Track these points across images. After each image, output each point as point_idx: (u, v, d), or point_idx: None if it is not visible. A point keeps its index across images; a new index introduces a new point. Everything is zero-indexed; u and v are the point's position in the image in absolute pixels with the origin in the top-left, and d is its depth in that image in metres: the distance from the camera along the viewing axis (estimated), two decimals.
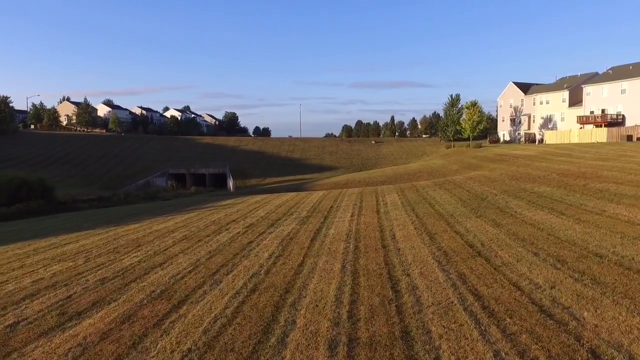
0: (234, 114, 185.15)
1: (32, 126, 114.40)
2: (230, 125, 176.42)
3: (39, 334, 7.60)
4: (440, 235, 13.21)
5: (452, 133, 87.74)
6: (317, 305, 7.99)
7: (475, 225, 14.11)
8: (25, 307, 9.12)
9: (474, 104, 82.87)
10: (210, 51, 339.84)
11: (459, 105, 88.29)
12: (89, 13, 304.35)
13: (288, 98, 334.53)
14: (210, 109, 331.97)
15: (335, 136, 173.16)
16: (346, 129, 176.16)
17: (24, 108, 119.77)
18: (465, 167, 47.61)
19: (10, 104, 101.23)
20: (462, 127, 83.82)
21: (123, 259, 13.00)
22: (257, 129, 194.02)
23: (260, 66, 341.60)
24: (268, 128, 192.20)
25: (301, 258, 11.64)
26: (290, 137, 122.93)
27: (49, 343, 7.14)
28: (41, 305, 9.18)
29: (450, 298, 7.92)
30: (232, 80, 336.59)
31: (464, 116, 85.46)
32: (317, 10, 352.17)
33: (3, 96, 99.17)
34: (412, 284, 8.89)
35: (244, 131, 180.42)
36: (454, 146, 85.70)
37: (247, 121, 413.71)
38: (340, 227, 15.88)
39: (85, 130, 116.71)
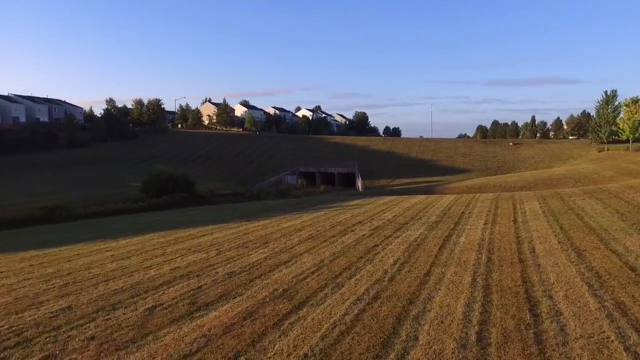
0: (364, 113, 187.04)
1: (179, 125, 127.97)
2: (360, 125, 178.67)
3: (171, 320, 8.25)
4: (590, 252, 11.65)
5: (606, 134, 78.35)
6: (442, 322, 7.48)
7: (637, 244, 12.19)
8: (162, 293, 10.01)
9: (635, 101, 72.98)
10: (341, 52, 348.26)
11: (616, 103, 78.44)
12: (227, 20, 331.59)
13: (419, 97, 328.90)
14: (340, 109, 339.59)
15: (468, 137, 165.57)
16: (481, 130, 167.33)
17: (172, 109, 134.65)
18: (623, 174, 42.02)
19: (162, 106, 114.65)
20: (620, 127, 74.32)
21: (251, 255, 13.69)
22: (387, 129, 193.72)
23: (391, 66, 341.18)
24: (398, 128, 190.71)
25: (428, 267, 11.12)
26: (421, 137, 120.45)
27: (178, 330, 7.70)
28: (175, 292, 10.01)
29: (605, 332, 6.83)
30: (362, 81, 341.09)
31: (621, 115, 75.71)
32: (448, 3, 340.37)
33: (156, 99, 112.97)
34: (554, 308, 7.89)
35: (373, 131, 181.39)
36: (607, 149, 76.33)
37: (377, 121, 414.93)
38: (472, 236, 14.91)
39: (224, 129, 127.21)
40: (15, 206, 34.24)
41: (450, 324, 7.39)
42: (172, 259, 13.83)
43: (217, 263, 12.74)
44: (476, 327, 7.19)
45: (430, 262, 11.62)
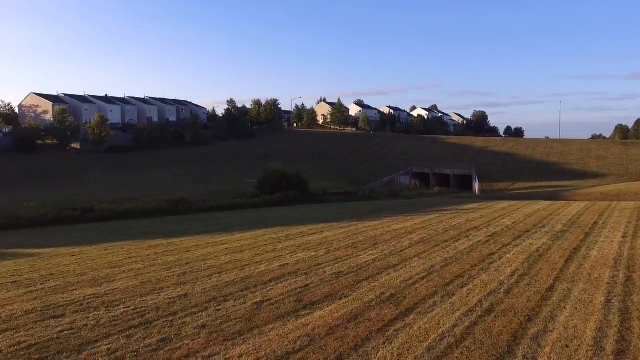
0: (483, 112, 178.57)
1: (295, 125, 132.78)
2: (478, 124, 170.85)
3: (277, 316, 8.46)
4: None
5: None
6: (567, 346, 6.73)
7: None
8: (270, 289, 10.34)
9: None
10: (459, 48, 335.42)
11: None
12: (342, 20, 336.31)
13: (546, 95, 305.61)
14: (457, 108, 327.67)
15: (604, 138, 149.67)
16: (620, 130, 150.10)
17: (288, 109, 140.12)
18: None
19: (279, 106, 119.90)
20: None
21: (359, 255, 13.64)
22: (508, 129, 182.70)
23: (514, 61, 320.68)
24: (521, 128, 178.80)
25: (551, 281, 10.15)
26: (547, 138, 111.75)
27: (283, 327, 7.86)
28: (283, 289, 10.27)
29: None
30: (482, 78, 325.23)
31: None
32: None
33: (273, 99, 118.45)
34: None
35: (493, 131, 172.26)
36: None
37: (498, 120, 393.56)
38: (607, 250, 13.35)
39: (338, 128, 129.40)
40: (146, 198, 38.01)
41: (577, 349, 6.62)
42: (282, 255, 14.28)
43: (325, 262, 12.88)
44: (610, 358, 6.35)
45: (554, 276, 10.60)
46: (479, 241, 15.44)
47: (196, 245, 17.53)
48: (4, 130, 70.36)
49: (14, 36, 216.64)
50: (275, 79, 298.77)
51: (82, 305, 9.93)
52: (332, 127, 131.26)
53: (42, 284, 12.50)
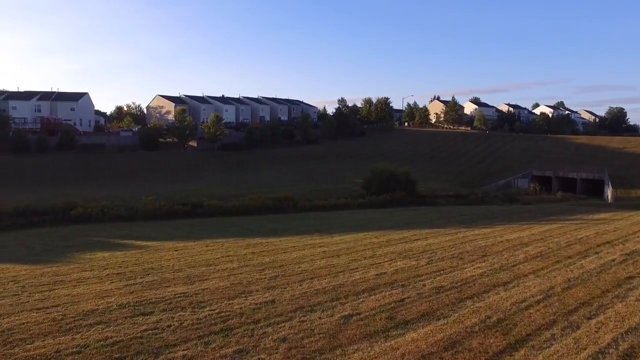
0: (621, 109, 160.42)
1: (406, 124, 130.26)
2: (614, 122, 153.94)
3: (364, 334, 7.68)
4: None
5: None
6: None
7: None
8: (362, 301, 9.57)
9: None
10: (588, 37, 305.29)
11: None
12: (456, 15, 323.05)
13: None
14: (588, 105, 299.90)
15: None
16: None
17: (400, 108, 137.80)
18: None
19: (390, 104, 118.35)
20: None
21: (465, 268, 12.35)
22: None
23: None
24: None
25: None
26: None
27: (369, 349, 7.07)
28: (375, 302, 9.46)
29: None
30: (619, 69, 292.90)
31: None
32: None
33: (384, 97, 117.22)
34: None
35: (633, 130, 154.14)
36: None
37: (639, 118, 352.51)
38: None
39: (451, 127, 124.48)
40: (252, 195, 39.23)
41: None
42: (379, 263, 13.44)
43: (426, 274, 11.81)
44: None
45: None
46: (613, 260, 13.26)
47: (293, 247, 17.31)
48: (133, 130, 77.82)
49: (149, 44, 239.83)
50: (387, 78, 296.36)
51: (170, 303, 9.99)
52: (445, 126, 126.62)
53: (142, 277, 12.98)
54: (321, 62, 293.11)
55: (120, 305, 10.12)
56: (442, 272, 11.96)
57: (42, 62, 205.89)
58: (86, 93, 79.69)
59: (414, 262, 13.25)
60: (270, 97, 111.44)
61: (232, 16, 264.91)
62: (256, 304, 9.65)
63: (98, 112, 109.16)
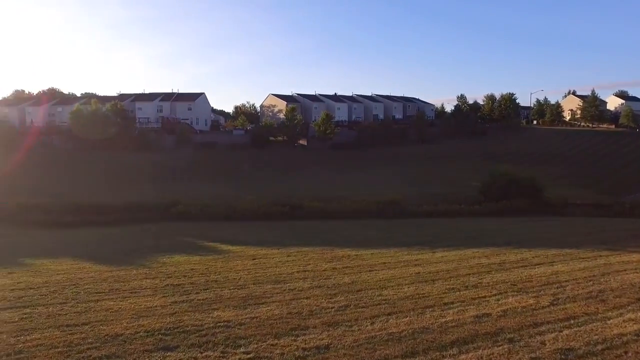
0: None
1: (534, 122, 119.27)
2: None
3: None
4: None
5: None
6: None
7: None
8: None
9: None
10: None
11: None
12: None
13: None
14: None
15: None
16: None
17: (527, 104, 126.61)
18: None
19: (516, 101, 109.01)
20: None
21: (609, 318, 8.80)
22: None
23: None
24: None
25: None
26: None
27: None
28: None
29: None
30: None
31: None
32: None
33: (508, 93, 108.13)
34: None
35: None
36: None
37: None
38: None
39: (590, 125, 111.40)
40: (356, 198, 37.11)
41: None
42: (484, 297, 10.41)
43: (548, 322, 8.57)
44: None
45: None
46: None
47: (383, 263, 14.78)
48: (246, 128, 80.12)
49: (265, 47, 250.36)
50: (512, 72, 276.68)
51: (204, 336, 8.18)
52: (583, 123, 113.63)
53: (197, 293, 11.43)
54: (439, 58, 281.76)
55: (148, 332, 8.50)
56: (572, 321, 8.64)
57: (170, 67, 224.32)
58: (202, 93, 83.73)
59: (531, 300, 10.01)
60: (384, 94, 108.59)
61: (345, 15, 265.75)
62: (304, 349, 7.39)
63: (220, 112, 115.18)
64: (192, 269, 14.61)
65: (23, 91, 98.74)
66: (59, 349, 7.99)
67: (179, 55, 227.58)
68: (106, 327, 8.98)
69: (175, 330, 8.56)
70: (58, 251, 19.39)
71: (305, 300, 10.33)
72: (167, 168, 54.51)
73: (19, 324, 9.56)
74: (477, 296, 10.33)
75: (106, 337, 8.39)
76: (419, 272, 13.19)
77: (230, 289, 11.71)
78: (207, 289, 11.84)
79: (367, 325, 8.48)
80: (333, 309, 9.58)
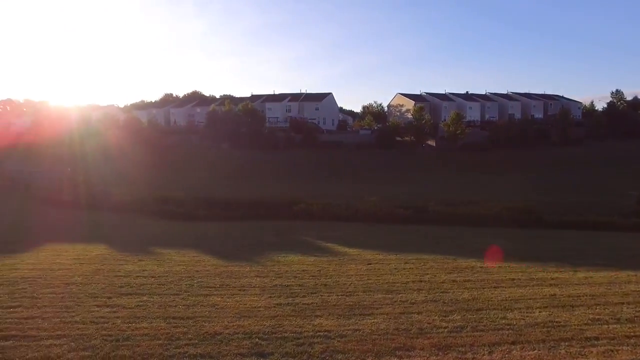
0: None
1: None
2: None
3: None
4: None
5: None
6: None
7: None
8: None
9: None
10: None
11: None
12: None
13: None
14: None
15: None
16: None
17: None
18: None
19: None
20: None
21: None
22: None
23: None
24: None
25: None
26: None
27: None
28: None
29: None
30: None
31: None
32: None
33: None
34: None
35: None
36: None
37: None
38: None
39: None
40: (487, 203, 34.65)
41: None
42: None
43: None
44: None
45: None
46: None
47: (512, 280, 13.21)
48: (373, 128, 79.78)
49: (395, 46, 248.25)
50: None
51: (301, 345, 7.87)
52: None
53: (304, 296, 11.13)
54: (588, 48, 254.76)
55: (246, 334, 8.30)
56: None
57: (300, 69, 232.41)
58: (330, 93, 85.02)
59: None
60: (522, 92, 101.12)
61: (478, 9, 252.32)
62: None
63: (349, 112, 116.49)
64: (303, 270, 14.38)
65: (171, 94, 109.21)
66: (161, 341, 8.10)
67: (310, 57, 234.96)
68: (208, 324, 8.97)
69: (273, 335, 8.23)
70: (185, 243, 20.51)
71: (416, 316, 9.42)
72: (293, 167, 56.12)
73: (133, 311, 10.00)
74: (632, 334, 8.52)
75: (205, 335, 8.34)
76: (554, 295, 11.47)
77: (337, 295, 11.19)
78: (315, 292, 11.45)
79: (483, 354, 7.36)
80: (446, 329, 8.55)
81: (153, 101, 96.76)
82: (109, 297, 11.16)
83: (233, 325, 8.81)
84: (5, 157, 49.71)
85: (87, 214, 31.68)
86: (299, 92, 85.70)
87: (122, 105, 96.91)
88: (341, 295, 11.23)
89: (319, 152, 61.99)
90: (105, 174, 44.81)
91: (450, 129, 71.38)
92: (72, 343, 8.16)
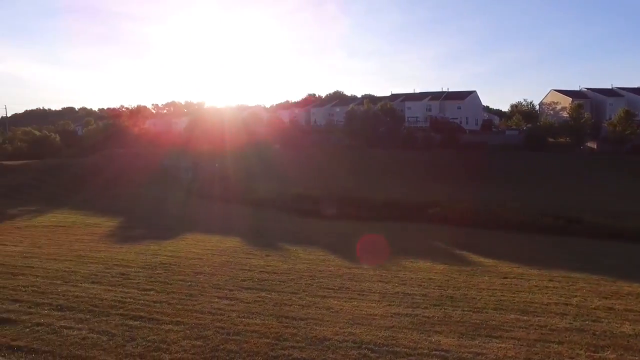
0: None
1: None
2: None
3: None
4: None
5: None
6: None
7: None
8: None
9: None
10: None
11: None
12: None
13: None
14: None
15: None
16: None
17: None
18: None
19: None
20: None
21: None
22: None
23: None
24: None
25: None
26: None
27: None
28: None
29: None
30: None
31: None
32: None
33: None
34: None
35: None
36: None
37: None
38: None
39: None
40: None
41: None
42: None
43: None
44: None
45: None
46: None
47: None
48: (521, 128, 73.85)
49: (550, 38, 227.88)
50: None
51: None
52: None
53: (426, 307, 10.30)
54: None
55: (356, 343, 7.92)
56: None
57: (443, 68, 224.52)
58: (473, 92, 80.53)
59: None
60: None
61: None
62: None
63: (496, 112, 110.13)
64: (430, 279, 13.49)
65: (314, 94, 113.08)
66: (269, 340, 8.00)
67: (453, 54, 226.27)
68: (319, 327, 8.67)
69: (384, 347, 7.64)
70: (314, 241, 20.57)
71: (556, 346, 8.11)
72: (430, 168, 54.32)
73: (249, 306, 10.10)
74: None
75: (314, 339, 8.05)
76: None
77: (463, 310, 10.17)
78: (438, 305, 10.57)
79: None
80: None
81: (295, 101, 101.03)
82: (230, 290, 11.47)
83: (344, 332, 8.39)
84: (166, 153, 55.34)
85: (229, 208, 33.88)
86: (440, 90, 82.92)
87: (267, 106, 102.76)
88: (467, 310, 10.19)
89: (460, 153, 59.14)
90: (249, 170, 47.73)
91: (617, 128, 63.33)
92: (188, 331, 8.43)
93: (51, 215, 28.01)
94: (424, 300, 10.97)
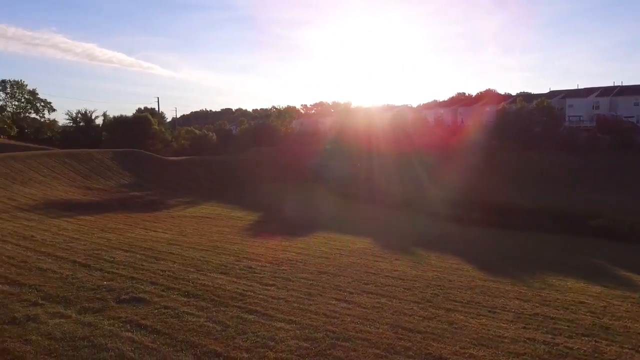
0: None
1: None
2: None
3: None
4: None
5: None
6: None
7: None
8: None
9: None
10: None
11: None
12: None
13: None
14: None
15: None
16: None
17: None
18: None
19: None
20: None
21: None
22: None
23: None
24: None
25: None
26: None
27: None
28: None
29: None
30: None
31: None
32: None
33: None
34: None
35: None
36: None
37: None
38: None
39: None
40: None
41: None
42: None
43: None
44: None
45: None
46: None
47: None
48: None
49: None
50: None
51: None
52: None
53: (568, 337, 8.92)
54: None
55: None
56: None
57: (616, 60, 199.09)
58: None
59: None
60: None
61: None
62: None
63: None
64: (581, 302, 11.67)
65: (463, 93, 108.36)
66: (378, 351, 7.50)
67: (629, 43, 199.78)
68: (436, 344, 7.89)
69: None
70: (450, 247, 19.41)
71: None
72: (595, 173, 48.60)
73: (366, 312, 9.64)
74: None
75: (427, 356, 7.37)
76: None
77: (622, 348, 8.45)
78: (588, 336, 8.97)
79: None
80: None
81: (442, 100, 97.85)
82: (350, 293, 11.10)
83: (464, 353, 7.51)
84: (312, 152, 57.18)
85: (366, 208, 33.69)
86: (612, 85, 73.45)
87: (414, 105, 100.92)
88: (629, 348, 8.45)
89: (634, 157, 52.07)
90: (392, 172, 47.24)
91: None
92: (298, 331, 8.23)
93: (202, 207, 30.39)
94: (569, 327, 9.45)
